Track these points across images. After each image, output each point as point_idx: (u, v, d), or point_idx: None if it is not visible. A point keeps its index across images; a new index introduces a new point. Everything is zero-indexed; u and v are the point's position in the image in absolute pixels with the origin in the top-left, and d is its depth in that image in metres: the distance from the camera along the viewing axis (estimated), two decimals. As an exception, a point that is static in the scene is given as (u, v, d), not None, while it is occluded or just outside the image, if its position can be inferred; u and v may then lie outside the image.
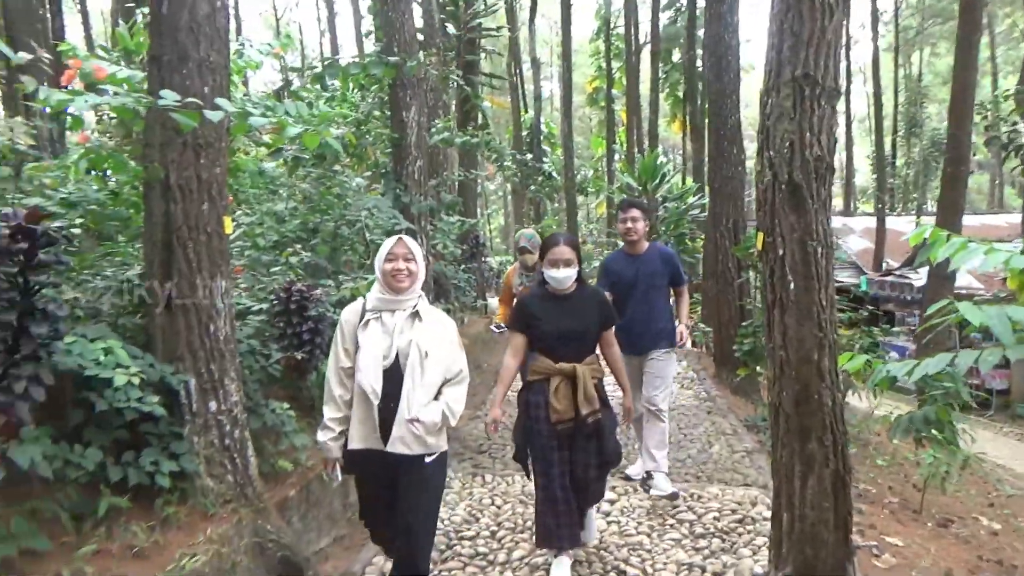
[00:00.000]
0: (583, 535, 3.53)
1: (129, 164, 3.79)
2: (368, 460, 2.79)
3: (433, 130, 7.92)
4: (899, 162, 26.50)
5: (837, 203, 30.05)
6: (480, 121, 13.01)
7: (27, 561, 2.63)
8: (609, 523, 4.13)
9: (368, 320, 2.82)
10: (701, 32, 14.98)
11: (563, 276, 3.32)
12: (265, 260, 4.71)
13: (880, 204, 19.52)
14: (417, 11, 7.49)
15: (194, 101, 2.47)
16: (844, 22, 3.25)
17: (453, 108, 12.70)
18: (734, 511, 4.28)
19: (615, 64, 25.15)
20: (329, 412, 2.85)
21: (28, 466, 2.52)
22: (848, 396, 6.04)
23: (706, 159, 12.65)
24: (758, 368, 7.34)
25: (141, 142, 3.82)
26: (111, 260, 4.07)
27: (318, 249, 5.02)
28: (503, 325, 5.53)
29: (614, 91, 24.95)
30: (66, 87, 3.35)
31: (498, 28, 16.28)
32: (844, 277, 17.45)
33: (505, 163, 9.30)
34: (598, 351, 3.56)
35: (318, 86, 5.36)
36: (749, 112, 18.21)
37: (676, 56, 25.29)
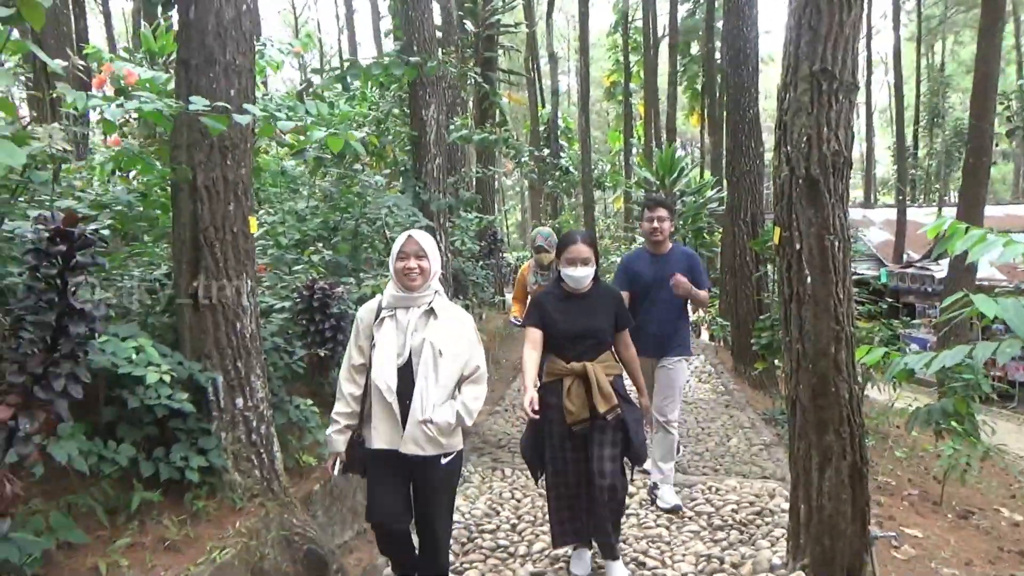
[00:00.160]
0: None
1: (156, 165, 3.89)
2: (388, 459, 2.77)
3: (452, 128, 7.98)
4: (921, 153, 26.13)
5: (857, 195, 29.71)
6: (498, 118, 13.05)
7: (65, 554, 2.73)
8: (628, 515, 4.18)
9: (383, 318, 2.80)
10: (719, 24, 14.87)
11: (581, 275, 3.28)
12: (288, 259, 4.80)
13: (901, 196, 19.26)
14: (436, 8, 7.53)
15: (223, 106, 2.55)
16: (862, 16, 3.25)
17: (471, 105, 12.75)
18: (752, 503, 4.31)
19: (633, 58, 25.05)
20: (338, 407, 2.86)
21: (66, 461, 2.62)
22: (867, 389, 6.03)
23: (724, 152, 12.58)
24: (776, 362, 7.32)
25: (166, 143, 3.92)
26: (138, 260, 4.18)
27: (339, 247, 5.11)
28: (520, 318, 5.57)
29: (632, 85, 24.85)
30: (98, 91, 3.44)
31: (516, 24, 16.28)
32: (864, 269, 17.28)
33: (523, 159, 9.34)
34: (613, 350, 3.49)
35: (339, 86, 5.44)
36: (768, 104, 18.06)
37: (694, 49, 25.13)
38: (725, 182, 10.69)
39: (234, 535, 3.11)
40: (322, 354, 4.24)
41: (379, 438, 2.76)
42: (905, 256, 18.03)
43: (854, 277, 3.40)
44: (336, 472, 2.90)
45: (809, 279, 3.14)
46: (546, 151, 15.74)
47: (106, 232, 3.43)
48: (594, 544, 3.50)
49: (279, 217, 5.57)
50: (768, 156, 9.14)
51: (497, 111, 12.80)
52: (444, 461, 2.79)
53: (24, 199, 3.02)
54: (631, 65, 24.84)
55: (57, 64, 2.17)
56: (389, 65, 4.77)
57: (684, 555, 3.67)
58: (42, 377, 2.25)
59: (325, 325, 4.22)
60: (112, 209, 3.89)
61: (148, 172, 3.99)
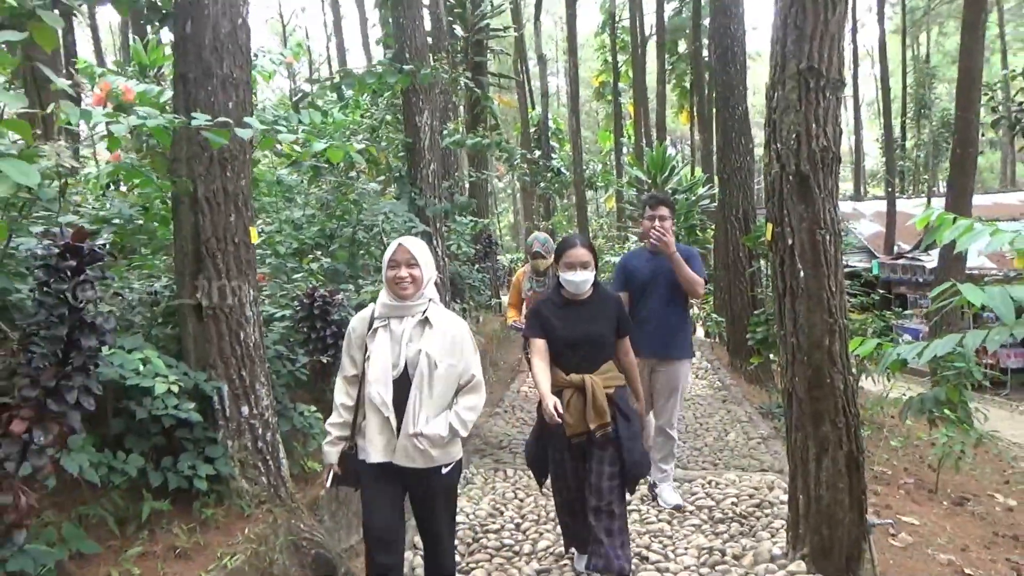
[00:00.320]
0: None
1: (154, 178, 3.93)
2: (385, 472, 2.71)
3: (445, 133, 8.04)
4: (909, 144, 26.33)
5: (847, 187, 29.90)
6: (491, 122, 13.12)
7: (77, 564, 2.76)
8: (630, 512, 4.24)
9: (376, 328, 2.72)
10: (707, 22, 14.97)
11: (580, 279, 3.21)
12: (288, 267, 4.85)
13: (890, 187, 19.43)
14: (425, 15, 7.59)
15: (226, 121, 2.60)
16: (846, 14, 3.33)
17: (461, 110, 12.82)
18: (751, 496, 4.38)
19: (621, 57, 25.16)
20: (331, 418, 2.82)
21: (77, 473, 2.66)
22: (862, 380, 6.11)
23: (714, 149, 12.68)
24: (771, 356, 7.42)
25: (158, 155, 3.96)
26: (138, 273, 4.21)
27: (337, 255, 5.16)
28: (521, 322, 5.58)
29: (620, 84, 24.97)
30: (97, 107, 3.48)
31: (505, 28, 16.34)
32: (856, 261, 17.42)
33: (515, 163, 9.43)
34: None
35: (333, 94, 5.49)
36: (756, 100, 18.17)
37: (682, 47, 25.25)
38: (716, 179, 10.78)
39: (243, 541, 3.15)
40: (324, 361, 4.29)
41: (375, 451, 2.69)
42: (896, 247, 18.19)
43: (846, 270, 3.47)
44: (328, 484, 2.86)
45: (802, 273, 3.21)
46: (537, 153, 15.81)
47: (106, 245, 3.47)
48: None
49: (276, 226, 5.61)
50: (758, 152, 9.24)
51: (489, 115, 12.87)
52: (444, 471, 2.75)
53: (25, 215, 3.06)
54: (619, 65, 24.95)
55: (63, 82, 2.21)
56: (383, 73, 4.83)
57: (687, 548, 3.74)
58: (55, 390, 2.29)
59: (326, 332, 4.27)
60: (112, 223, 3.93)
61: (147, 185, 4.04)
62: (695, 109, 21.70)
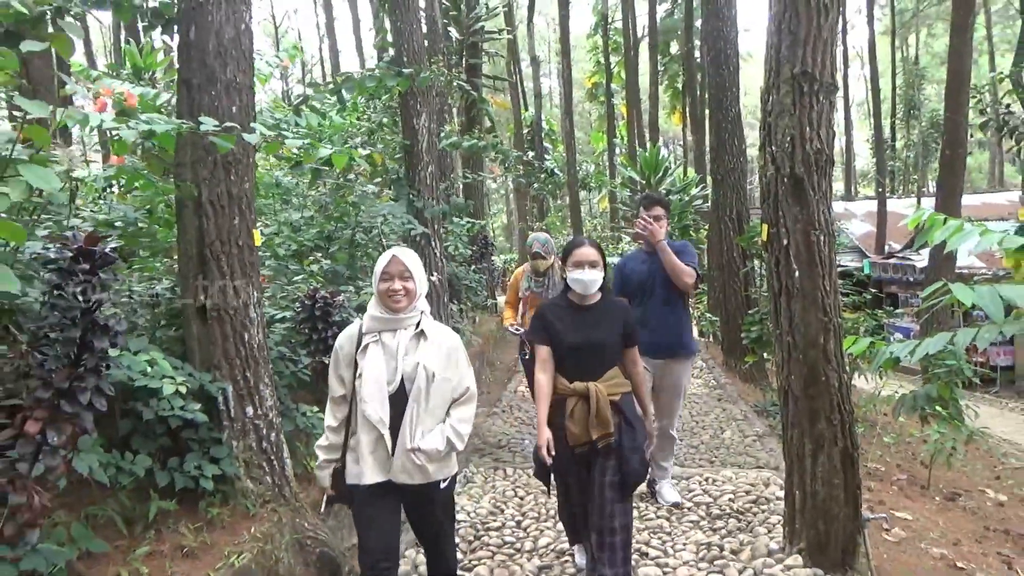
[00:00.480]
0: None
1: (156, 182, 3.97)
2: (382, 492, 2.62)
3: (442, 135, 8.10)
4: (899, 145, 26.56)
5: (838, 188, 30.11)
6: (486, 124, 13.18)
7: (86, 564, 2.80)
8: (629, 509, 4.30)
9: (367, 344, 2.61)
10: (699, 23, 15.09)
11: (589, 278, 3.13)
12: (293, 268, 4.89)
13: (880, 188, 19.60)
14: (421, 17, 7.63)
15: (233, 126, 2.64)
16: (839, 19, 3.40)
17: (455, 112, 12.88)
18: (748, 492, 4.44)
19: (613, 59, 25.27)
20: (320, 440, 2.76)
21: (87, 473, 2.70)
22: (854, 378, 6.20)
23: (707, 150, 12.77)
24: (765, 355, 7.51)
25: (156, 158, 3.99)
26: (139, 275, 4.24)
27: (337, 256, 5.20)
28: (519, 325, 5.50)
29: (613, 85, 25.07)
30: (100, 112, 3.52)
31: (500, 31, 16.41)
32: (848, 261, 17.56)
33: (510, 164, 9.50)
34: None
35: (332, 97, 5.54)
36: (748, 100, 18.31)
37: (674, 48, 25.40)
38: (709, 180, 10.87)
39: (249, 540, 3.19)
40: (326, 362, 4.32)
41: (370, 471, 2.59)
42: (887, 247, 18.36)
43: (839, 269, 3.54)
44: (323, 507, 2.84)
45: (797, 273, 3.28)
46: (531, 154, 15.90)
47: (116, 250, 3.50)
48: None
49: (275, 228, 5.65)
50: (751, 152, 9.33)
51: (485, 117, 12.94)
52: (442, 486, 2.67)
53: (36, 219, 3.09)
54: (612, 66, 25.07)
55: (80, 88, 2.25)
56: (382, 76, 4.88)
57: (685, 544, 3.80)
58: (68, 391, 2.33)
59: (328, 333, 4.31)
60: (115, 227, 3.96)
61: (148, 188, 4.07)
62: (688, 110, 21.84)
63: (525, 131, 21.23)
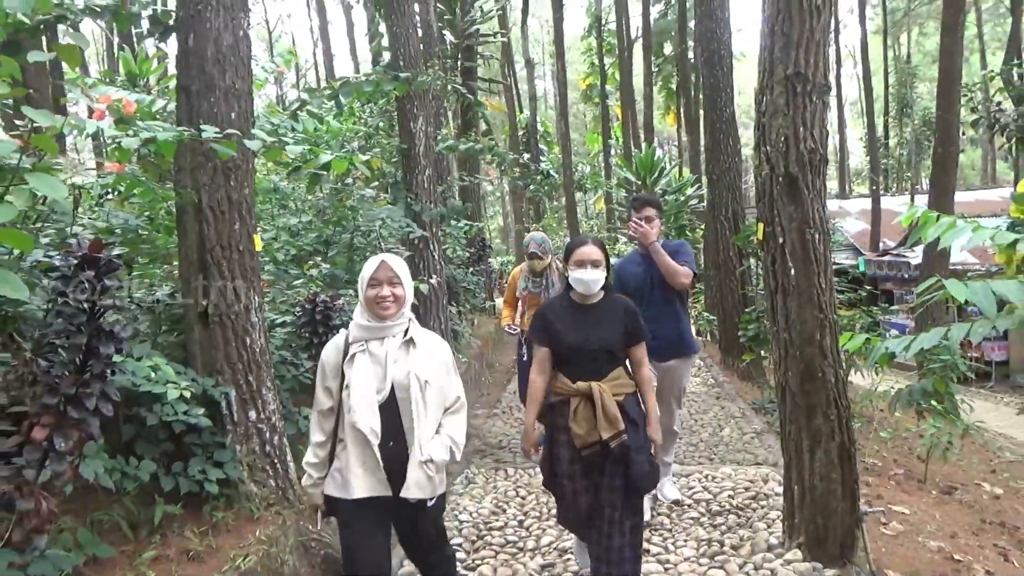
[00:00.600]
0: None
1: (154, 188, 3.99)
2: (371, 508, 2.50)
3: (438, 138, 8.15)
4: (892, 143, 26.68)
5: (833, 186, 30.24)
6: (483, 127, 13.24)
7: (93, 569, 2.82)
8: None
9: (354, 354, 2.51)
10: (692, 24, 15.15)
11: (591, 278, 3.03)
12: (293, 273, 4.92)
13: (874, 186, 19.70)
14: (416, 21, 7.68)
15: (235, 133, 2.67)
16: (831, 21, 3.45)
17: (451, 115, 12.93)
18: (747, 489, 4.49)
19: (607, 60, 25.36)
20: (308, 457, 2.64)
21: (93, 479, 2.72)
22: (851, 375, 6.24)
23: (702, 150, 12.84)
24: (762, 353, 7.55)
25: (153, 164, 4.01)
26: (138, 282, 4.26)
27: (336, 260, 5.23)
28: (514, 326, 5.52)
29: (607, 87, 25.16)
30: (99, 121, 3.54)
31: (494, 34, 16.47)
32: (842, 259, 17.65)
33: (506, 167, 9.56)
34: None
35: (330, 102, 5.58)
36: (743, 100, 18.37)
37: (668, 49, 25.49)
38: (705, 180, 10.93)
39: (254, 543, 3.21)
40: (327, 365, 4.35)
41: (360, 486, 2.47)
42: (881, 244, 18.45)
43: (834, 267, 3.57)
44: (319, 524, 2.79)
45: (792, 271, 3.32)
46: (526, 156, 15.95)
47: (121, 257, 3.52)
48: None
49: (273, 233, 5.68)
50: (746, 151, 9.40)
51: (481, 120, 12.99)
52: (431, 502, 2.55)
53: (40, 227, 3.12)
54: (606, 67, 25.15)
55: (83, 98, 2.28)
56: (380, 81, 4.92)
57: (686, 540, 3.83)
58: (74, 397, 2.35)
59: (328, 337, 4.32)
60: (114, 233, 3.99)
61: (147, 195, 4.10)
62: (682, 111, 21.95)
63: (520, 133, 21.29)
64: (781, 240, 3.34)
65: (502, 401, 7.48)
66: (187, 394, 3.04)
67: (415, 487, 2.44)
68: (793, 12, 3.27)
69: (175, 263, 4.00)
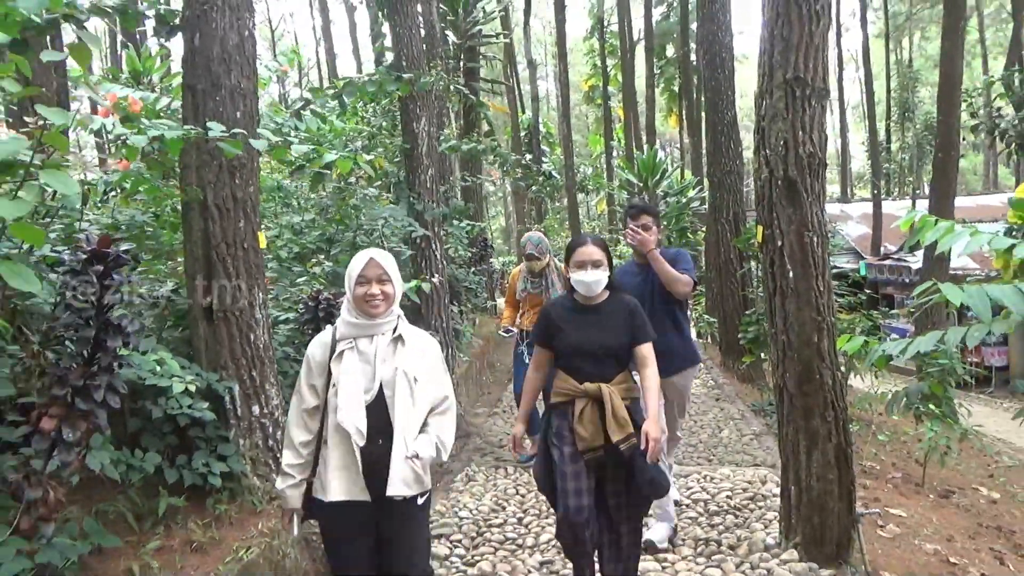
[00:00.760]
0: None
1: (160, 186, 4.04)
2: (349, 512, 2.40)
3: (441, 138, 8.19)
4: (894, 147, 26.74)
5: (834, 190, 30.27)
6: (485, 128, 13.29)
7: (97, 559, 2.86)
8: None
9: (342, 351, 2.43)
10: (694, 26, 15.19)
11: (592, 279, 2.92)
12: (296, 270, 4.96)
13: (876, 190, 19.74)
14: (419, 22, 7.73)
15: (241, 132, 2.72)
16: (830, 26, 3.49)
17: (454, 116, 12.98)
18: (745, 490, 4.52)
19: (610, 62, 25.40)
20: (288, 458, 2.47)
21: (99, 470, 2.76)
22: (850, 379, 6.27)
23: (704, 153, 12.87)
24: (762, 355, 7.58)
25: (157, 162, 4.06)
26: (142, 277, 4.30)
27: (339, 259, 5.27)
28: (511, 328, 5.50)
29: (610, 88, 25.20)
30: (104, 119, 3.59)
31: (497, 34, 16.52)
32: (843, 263, 17.66)
33: (508, 167, 9.61)
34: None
35: (333, 102, 5.63)
36: (745, 103, 18.43)
37: (670, 51, 25.54)
38: (706, 182, 10.96)
39: (257, 536, 3.25)
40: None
41: (338, 488, 2.37)
42: (883, 248, 18.48)
43: (834, 271, 3.60)
44: (296, 531, 2.57)
45: (791, 274, 3.35)
46: (528, 157, 16.02)
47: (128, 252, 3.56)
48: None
49: (276, 231, 5.72)
50: (747, 155, 9.42)
51: (483, 120, 13.06)
52: (420, 500, 2.47)
53: (51, 222, 3.16)
54: (608, 69, 25.20)
55: (97, 97, 2.32)
56: (383, 81, 4.97)
57: (684, 539, 3.87)
58: (82, 389, 2.39)
59: (330, 334, 4.36)
60: (120, 229, 4.03)
61: (152, 192, 4.14)
62: (684, 113, 21.98)
63: (523, 134, 21.33)
64: (780, 243, 3.38)
65: (503, 400, 7.52)
66: (192, 388, 3.09)
67: (400, 483, 2.34)
68: (792, 17, 3.31)
69: (180, 259, 4.05)
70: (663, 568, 3.57)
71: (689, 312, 4.26)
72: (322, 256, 5.32)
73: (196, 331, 3.58)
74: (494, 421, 6.63)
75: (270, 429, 3.60)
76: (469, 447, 5.88)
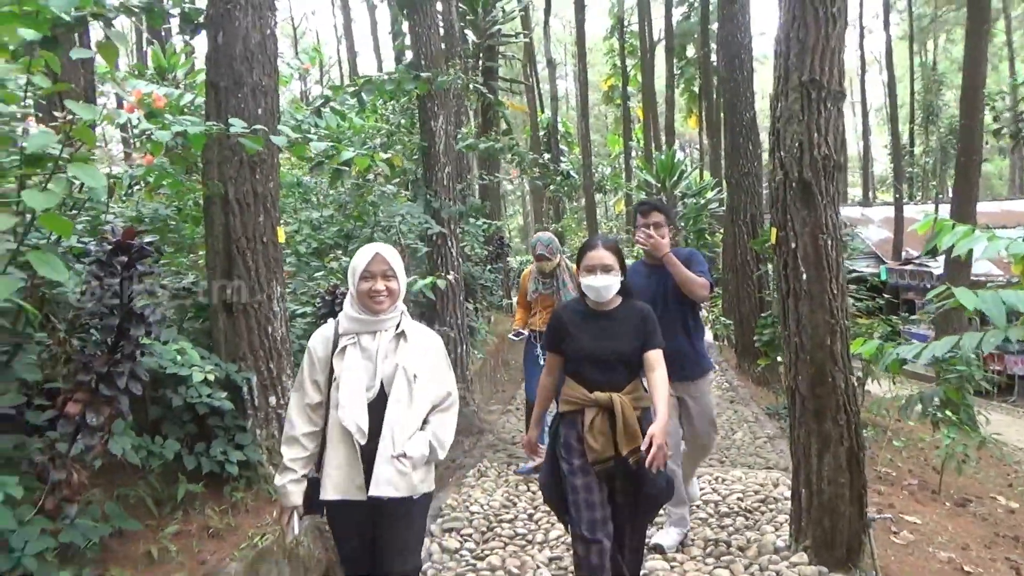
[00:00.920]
0: None
1: (180, 180, 4.11)
2: (346, 511, 2.40)
3: (459, 137, 8.25)
4: (917, 151, 26.39)
5: (856, 193, 29.95)
6: (503, 127, 13.32)
7: (117, 541, 2.95)
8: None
9: (344, 347, 2.39)
10: (715, 27, 15.12)
11: (602, 284, 2.83)
12: (314, 265, 5.04)
13: (898, 194, 19.51)
14: (438, 21, 7.79)
15: (262, 128, 2.78)
16: (846, 28, 3.48)
17: (472, 114, 13.04)
18: (757, 492, 4.51)
19: (630, 62, 25.35)
20: (291, 453, 2.41)
21: (121, 455, 2.84)
22: (868, 384, 6.22)
23: (722, 154, 12.81)
24: (778, 358, 7.55)
25: (180, 157, 4.14)
26: (165, 269, 4.40)
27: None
28: (521, 331, 5.39)
29: (629, 88, 25.15)
30: (129, 114, 3.67)
31: (516, 34, 16.57)
32: (863, 267, 17.47)
33: (526, 166, 9.65)
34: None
35: (352, 99, 5.70)
36: (763, 104, 18.28)
37: (690, 52, 25.42)
38: (724, 184, 10.92)
39: (272, 524, 3.31)
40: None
41: (333, 487, 2.34)
42: (904, 253, 18.27)
43: (853, 275, 3.59)
44: (297, 530, 2.52)
45: (805, 276, 3.35)
46: (547, 156, 16.04)
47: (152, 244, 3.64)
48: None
49: (296, 227, 5.80)
50: (766, 157, 9.36)
51: (501, 119, 13.11)
52: (417, 499, 2.42)
53: (78, 215, 3.25)
54: (628, 69, 25.14)
55: (123, 93, 2.39)
56: (401, 80, 5.03)
57: (693, 540, 3.87)
58: (106, 375, 2.47)
59: (346, 328, 4.42)
60: (143, 222, 4.12)
61: (176, 187, 4.23)
62: (704, 113, 21.86)
63: (541, 133, 21.36)
64: (794, 245, 3.38)
65: (516, 398, 7.55)
66: (211, 378, 3.16)
67: (384, 483, 2.29)
68: (808, 19, 3.31)
69: (201, 252, 4.13)
70: (672, 568, 3.58)
71: (702, 315, 4.06)
72: (340, 251, 5.39)
73: (216, 323, 3.66)
74: (507, 418, 6.67)
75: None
76: (482, 443, 5.92)
